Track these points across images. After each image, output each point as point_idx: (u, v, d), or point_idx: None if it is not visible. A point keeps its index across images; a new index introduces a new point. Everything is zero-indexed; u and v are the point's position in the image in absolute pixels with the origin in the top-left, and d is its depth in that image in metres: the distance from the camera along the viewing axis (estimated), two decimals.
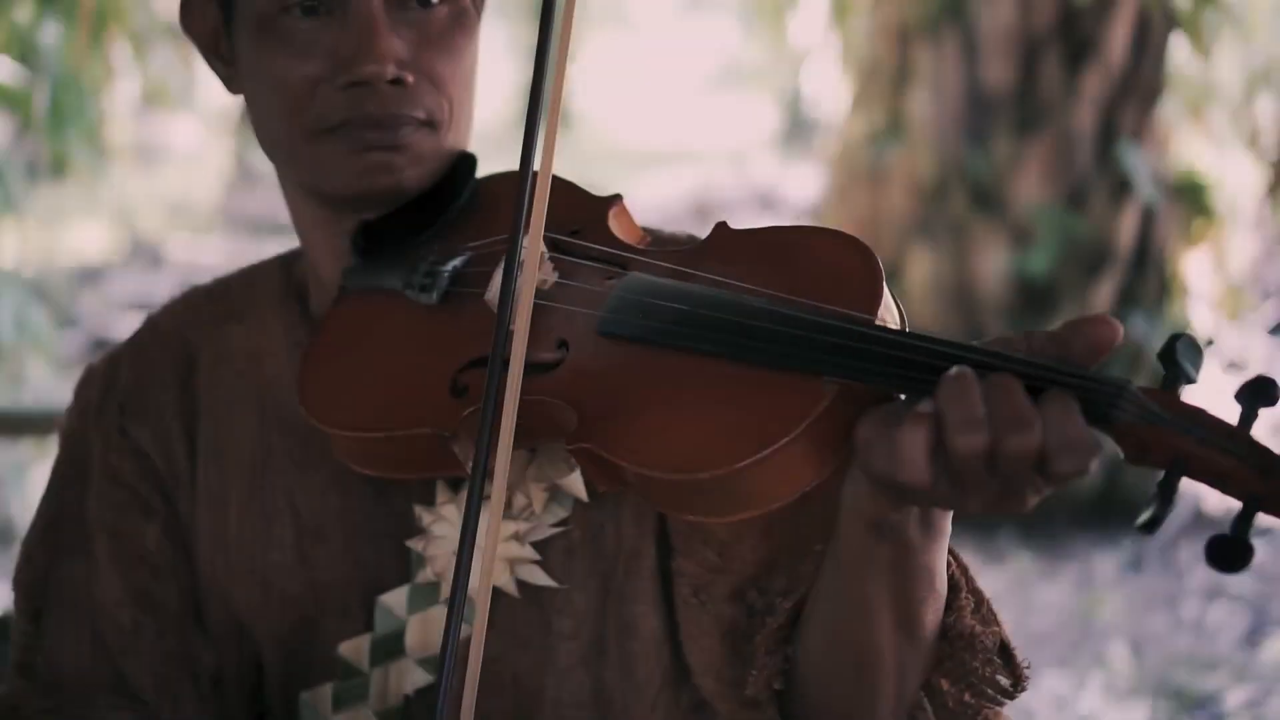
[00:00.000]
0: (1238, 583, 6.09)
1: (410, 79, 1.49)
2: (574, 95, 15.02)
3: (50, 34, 5.44)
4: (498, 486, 1.29)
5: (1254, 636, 5.65)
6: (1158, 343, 6.86)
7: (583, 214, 1.48)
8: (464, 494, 1.47)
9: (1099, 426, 1.13)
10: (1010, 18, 6.58)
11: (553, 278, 1.42)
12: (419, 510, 1.53)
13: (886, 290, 1.27)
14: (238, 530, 1.58)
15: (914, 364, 1.18)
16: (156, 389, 1.63)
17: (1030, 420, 1.12)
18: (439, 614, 1.49)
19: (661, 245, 1.54)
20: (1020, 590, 6.11)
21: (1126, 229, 6.67)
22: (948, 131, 6.68)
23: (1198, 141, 7.34)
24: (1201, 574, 6.25)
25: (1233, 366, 9.09)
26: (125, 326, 9.36)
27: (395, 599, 1.52)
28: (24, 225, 6.59)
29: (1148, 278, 6.78)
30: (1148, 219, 6.75)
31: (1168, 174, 6.87)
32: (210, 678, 1.59)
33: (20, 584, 1.65)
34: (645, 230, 1.54)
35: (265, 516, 1.57)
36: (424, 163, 1.53)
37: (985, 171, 6.62)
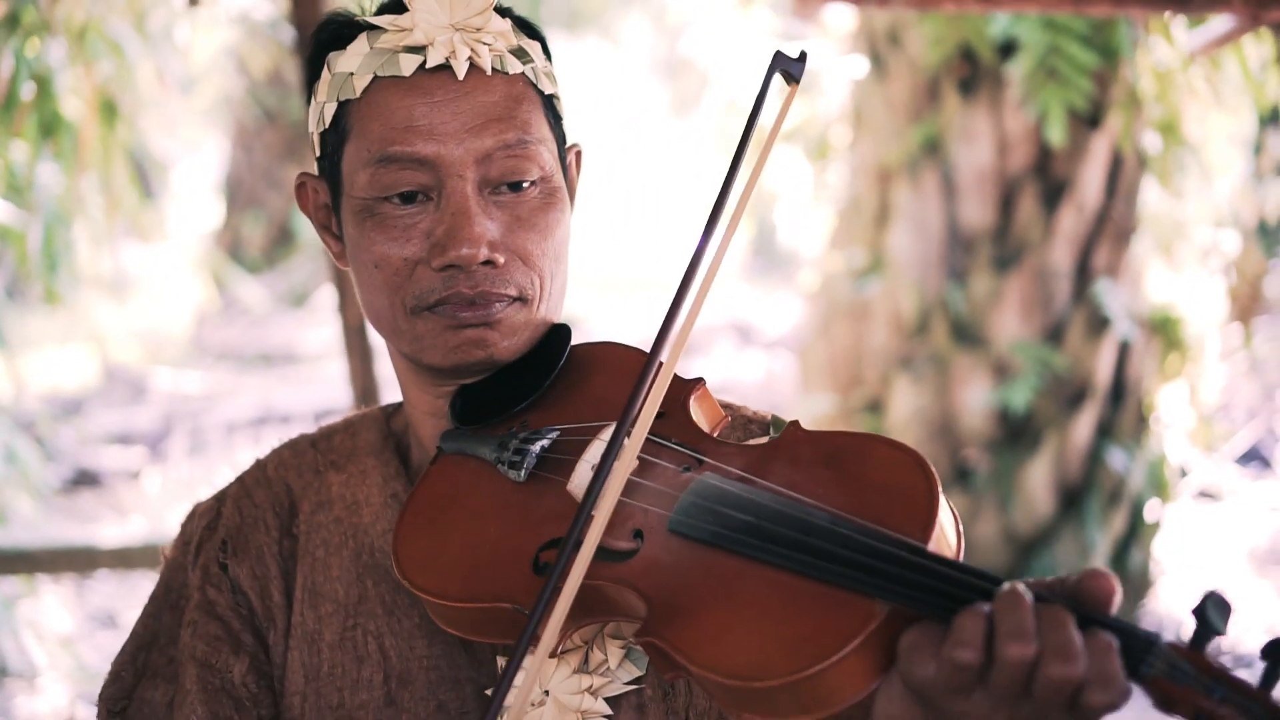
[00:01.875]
0: None
1: (501, 260, 1.59)
2: None
3: (46, 172, 5.52)
4: (541, 653, 1.38)
5: None
6: (1137, 475, 6.93)
7: (667, 396, 1.54)
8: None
9: (1131, 678, 1.20)
10: (988, 158, 6.74)
11: (634, 463, 1.49)
12: (501, 661, 1.61)
13: (943, 504, 1.35)
14: (329, 668, 1.66)
15: (959, 598, 1.26)
16: (259, 531, 1.73)
17: (1077, 650, 1.20)
18: None
19: (741, 426, 1.63)
20: None
21: (1104, 364, 6.79)
22: (928, 268, 6.81)
23: (1170, 277, 7.50)
24: None
25: (1204, 496, 9.20)
26: (109, 459, 9.27)
27: None
28: (4, 355, 6.62)
29: (1125, 411, 6.88)
30: (1124, 354, 6.87)
31: (1142, 309, 7.01)
32: None
33: (105, 699, 1.72)
34: (725, 407, 1.62)
35: (356, 658, 1.65)
36: (516, 335, 1.63)
37: (965, 307, 6.74)
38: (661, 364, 1.49)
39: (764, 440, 1.53)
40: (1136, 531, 6.90)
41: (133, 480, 9.47)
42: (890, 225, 6.94)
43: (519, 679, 1.44)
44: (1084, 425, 6.73)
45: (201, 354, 13.11)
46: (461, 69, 1.59)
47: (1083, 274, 6.77)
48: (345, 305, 3.25)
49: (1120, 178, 6.83)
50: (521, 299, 1.62)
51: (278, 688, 1.67)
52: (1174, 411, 7.25)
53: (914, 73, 6.83)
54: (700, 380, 1.58)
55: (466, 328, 1.60)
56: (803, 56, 1.57)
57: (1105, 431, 6.79)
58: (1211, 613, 1.21)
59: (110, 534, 7.25)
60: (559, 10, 17.38)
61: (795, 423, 1.50)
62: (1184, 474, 7.80)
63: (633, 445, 1.44)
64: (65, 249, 5.62)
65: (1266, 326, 10.16)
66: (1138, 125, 6.70)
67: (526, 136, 1.61)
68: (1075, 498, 6.71)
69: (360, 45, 1.62)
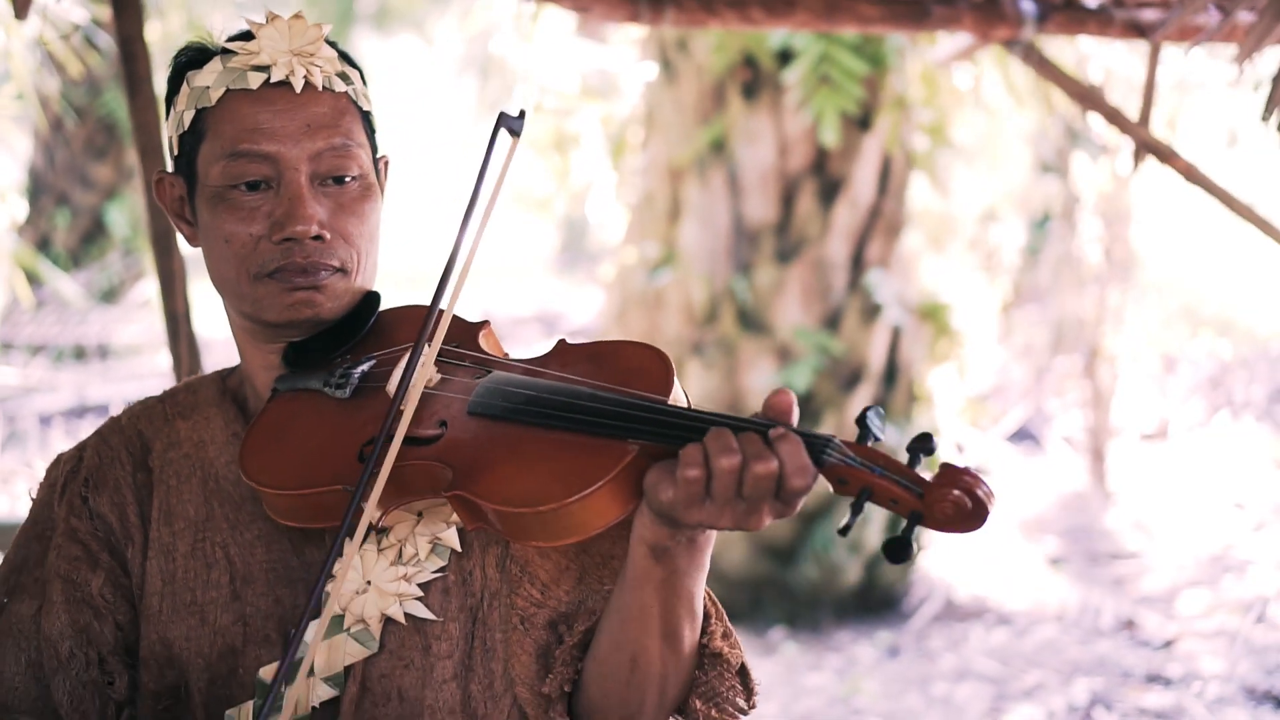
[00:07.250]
0: (982, 664, 6.70)
1: (328, 236, 2.00)
2: None
3: None
4: (366, 516, 1.80)
5: (995, 713, 6.24)
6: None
7: (460, 333, 1.97)
8: (366, 546, 1.96)
9: (816, 467, 1.64)
10: (770, 158, 7.26)
11: (437, 377, 1.92)
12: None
13: (677, 382, 1.80)
14: (184, 573, 2.02)
15: (691, 429, 1.68)
16: (116, 468, 2.09)
17: (769, 454, 1.64)
18: (341, 641, 1.94)
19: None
20: (789, 677, 6.63)
21: (877, 348, 7.35)
22: (716, 260, 7.30)
23: (940, 268, 8.10)
24: (950, 658, 6.85)
25: (978, 471, 9.84)
26: None
27: (307, 631, 1.94)
28: None
29: (897, 391, 7.46)
30: (896, 338, 7.44)
31: (913, 297, 7.59)
32: (118, 704, 2.01)
33: None
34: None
35: (206, 564, 2.02)
36: (339, 299, 2.03)
37: (750, 296, 7.25)
38: (447, 285, 1.89)
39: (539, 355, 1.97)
40: None
41: None
42: (681, 220, 7.42)
43: (349, 545, 1.81)
44: (859, 404, 7.26)
45: (13, 348, 13.04)
46: (299, 84, 2.00)
47: (857, 265, 7.33)
48: (171, 294, 3.50)
49: (890, 176, 7.40)
50: (343, 270, 2.01)
51: (137, 593, 2.03)
52: (944, 391, 7.86)
53: (701, 78, 7.31)
54: (486, 322, 2.01)
55: (299, 290, 1.98)
56: (522, 114, 2.00)
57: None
58: (872, 419, 1.64)
59: None
60: (368, 6, 17.54)
61: (563, 339, 1.94)
62: (960, 449, 8.42)
63: (431, 351, 1.86)
64: None
65: (1035, 313, 10.89)
66: (906, 127, 7.27)
67: (349, 141, 2.02)
68: None
69: (215, 65, 2.02)
